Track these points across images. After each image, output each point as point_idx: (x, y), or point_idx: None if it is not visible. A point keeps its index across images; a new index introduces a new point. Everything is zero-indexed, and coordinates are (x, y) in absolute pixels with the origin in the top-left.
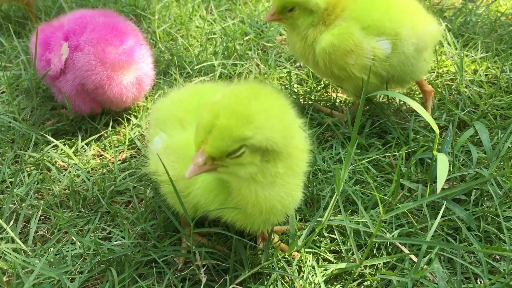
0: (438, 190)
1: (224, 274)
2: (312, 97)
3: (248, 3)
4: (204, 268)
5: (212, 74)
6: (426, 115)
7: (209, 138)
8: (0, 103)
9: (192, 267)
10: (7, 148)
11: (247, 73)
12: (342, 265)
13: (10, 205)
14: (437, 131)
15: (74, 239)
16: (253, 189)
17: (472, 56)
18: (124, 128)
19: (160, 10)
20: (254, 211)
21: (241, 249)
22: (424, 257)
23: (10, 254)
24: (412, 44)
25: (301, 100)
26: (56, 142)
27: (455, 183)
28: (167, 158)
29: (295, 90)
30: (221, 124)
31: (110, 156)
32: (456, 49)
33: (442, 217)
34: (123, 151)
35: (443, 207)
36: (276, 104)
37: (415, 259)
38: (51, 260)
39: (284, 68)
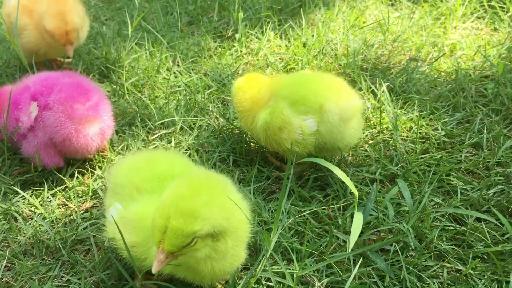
0: (350, 247)
1: None
2: (263, 149)
3: (213, 56)
4: None
5: (173, 127)
6: (347, 180)
7: (165, 237)
8: None
9: None
10: None
11: (206, 125)
12: None
13: None
14: (356, 193)
15: (36, 286)
16: (209, 264)
17: (409, 114)
18: (88, 179)
19: (129, 62)
20: (208, 275)
21: None
22: None
23: None
24: (336, 115)
25: (252, 152)
26: (23, 193)
27: (382, 234)
28: (124, 227)
29: (249, 141)
30: (172, 226)
31: (74, 206)
32: (394, 108)
33: (369, 265)
34: (86, 201)
35: (361, 258)
36: (216, 192)
37: None
38: None
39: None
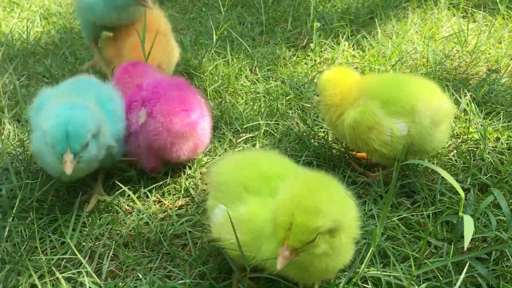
0: (465, 247)
1: None
2: (347, 156)
3: (288, 64)
4: None
5: (257, 132)
6: (452, 181)
7: (290, 234)
8: None
9: None
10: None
11: (289, 130)
12: None
13: (89, 243)
14: (462, 195)
15: (140, 276)
16: (323, 261)
17: (495, 125)
18: (179, 178)
19: (211, 69)
20: (318, 273)
21: None
22: None
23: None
24: (427, 116)
25: (335, 158)
26: (124, 188)
27: (477, 242)
28: (230, 227)
29: (331, 147)
30: (297, 222)
31: (169, 202)
32: (479, 118)
33: (467, 274)
34: (179, 198)
35: (467, 264)
36: (332, 189)
37: None
38: None
39: (321, 128)
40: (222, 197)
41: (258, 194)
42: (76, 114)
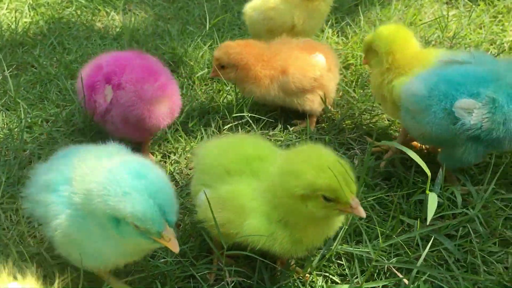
0: (428, 221)
1: None
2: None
3: None
4: (232, 284)
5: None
6: (419, 161)
7: (350, 189)
8: (60, 139)
9: (223, 283)
10: None
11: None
12: (346, 286)
13: None
14: (429, 173)
15: None
16: (336, 221)
17: None
18: (165, 163)
19: (195, 57)
20: (309, 243)
21: (263, 269)
22: (415, 282)
23: None
24: None
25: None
26: None
27: (447, 220)
28: (215, 206)
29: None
30: (350, 175)
31: None
32: None
33: (435, 249)
34: None
35: (432, 238)
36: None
37: (407, 282)
38: None
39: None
40: (207, 179)
41: (239, 176)
42: (154, 180)
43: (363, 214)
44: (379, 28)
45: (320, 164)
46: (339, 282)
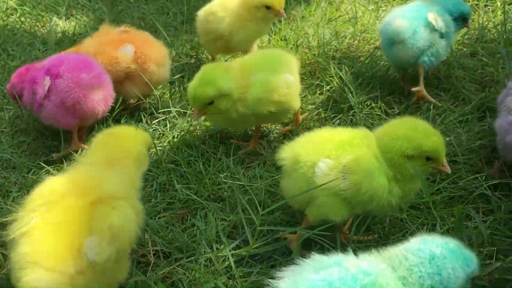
0: None
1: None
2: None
3: (206, 52)
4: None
5: (170, 115)
6: None
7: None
8: (4, 140)
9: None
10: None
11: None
12: None
13: None
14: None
15: None
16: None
17: (372, 95)
18: None
19: None
20: (409, 198)
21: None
22: None
23: None
24: None
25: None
26: (47, 167)
27: None
28: (336, 176)
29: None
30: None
31: None
32: (352, 86)
33: None
34: None
35: None
36: None
37: None
38: None
39: None
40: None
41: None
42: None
43: (449, 170)
44: None
45: (426, 130)
46: None
